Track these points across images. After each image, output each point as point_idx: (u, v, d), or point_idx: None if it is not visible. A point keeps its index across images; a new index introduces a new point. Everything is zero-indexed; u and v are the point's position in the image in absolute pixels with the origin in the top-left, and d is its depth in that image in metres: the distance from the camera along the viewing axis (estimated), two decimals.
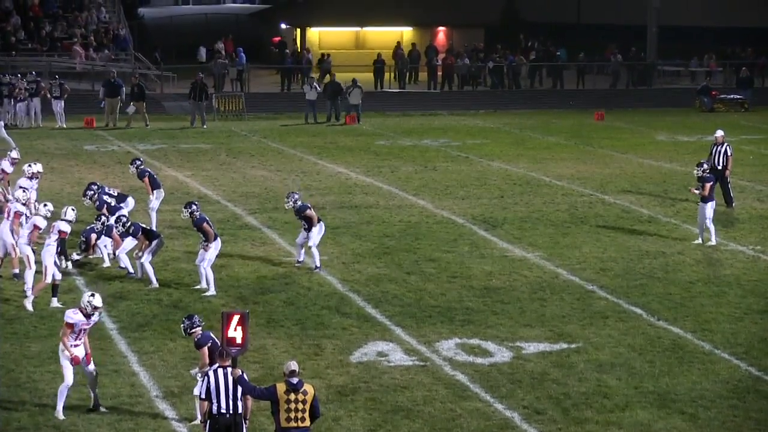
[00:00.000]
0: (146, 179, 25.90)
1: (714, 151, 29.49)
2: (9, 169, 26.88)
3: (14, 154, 27.85)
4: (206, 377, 13.51)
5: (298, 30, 65.69)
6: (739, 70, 55.04)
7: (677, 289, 21.66)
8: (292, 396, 13.01)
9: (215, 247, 21.17)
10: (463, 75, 56.71)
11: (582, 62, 58.60)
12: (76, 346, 15.56)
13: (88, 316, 15.67)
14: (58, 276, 20.28)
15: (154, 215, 25.88)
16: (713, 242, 25.17)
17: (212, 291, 20.92)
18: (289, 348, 18.05)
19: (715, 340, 18.76)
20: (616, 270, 23.05)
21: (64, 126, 43.22)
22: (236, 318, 13.44)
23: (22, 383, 16.40)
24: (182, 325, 15.07)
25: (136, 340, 18.32)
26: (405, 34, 64.81)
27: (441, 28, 66.65)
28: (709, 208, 25.22)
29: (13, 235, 21.63)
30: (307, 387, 13.14)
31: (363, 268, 22.88)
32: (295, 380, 13.05)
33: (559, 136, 42.41)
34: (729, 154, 29.38)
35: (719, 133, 29.87)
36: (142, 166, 26.29)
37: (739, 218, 28.15)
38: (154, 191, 25.91)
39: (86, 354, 15.64)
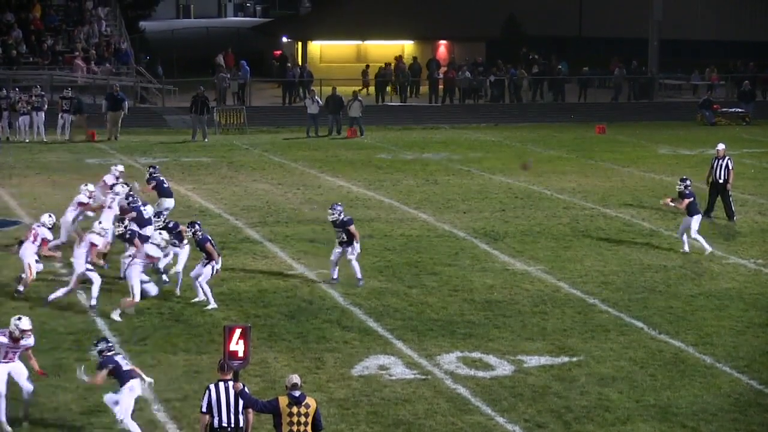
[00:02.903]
0: (153, 185, 26.92)
1: (715, 164, 29.52)
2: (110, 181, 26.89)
3: (120, 167, 28.12)
4: (208, 390, 13.51)
5: (300, 43, 65.76)
6: (741, 84, 55.08)
7: (679, 303, 21.66)
8: (294, 409, 13.01)
9: (213, 265, 21.17)
10: (464, 88, 56.75)
11: (584, 76, 58.64)
12: (5, 363, 15.56)
13: (17, 339, 15.57)
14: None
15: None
16: (708, 249, 25.36)
17: (213, 305, 20.91)
18: (291, 361, 18.05)
19: (716, 353, 18.76)
20: (617, 283, 23.05)
21: (67, 138, 43.25)
22: (238, 331, 13.44)
23: (21, 397, 16.35)
24: (97, 348, 15.05)
25: (137, 354, 18.31)
26: (406, 47, 64.87)
27: (442, 42, 66.70)
28: (695, 222, 25.36)
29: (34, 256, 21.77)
30: (309, 400, 13.15)
31: (365, 282, 22.86)
32: (297, 393, 13.06)
33: (561, 150, 42.43)
34: (730, 167, 29.41)
35: (720, 146, 29.90)
36: (155, 174, 27.11)
37: (741, 232, 28.15)
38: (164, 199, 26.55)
39: (31, 373, 15.67)
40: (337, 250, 22.52)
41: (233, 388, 13.35)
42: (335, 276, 22.63)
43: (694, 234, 25.50)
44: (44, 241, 21.96)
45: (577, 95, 58.04)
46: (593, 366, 18.06)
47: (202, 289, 21.04)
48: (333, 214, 22.49)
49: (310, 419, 13.06)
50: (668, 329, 19.99)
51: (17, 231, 27.07)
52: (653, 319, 20.56)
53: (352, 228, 22.42)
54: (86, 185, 25.66)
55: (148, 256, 20.86)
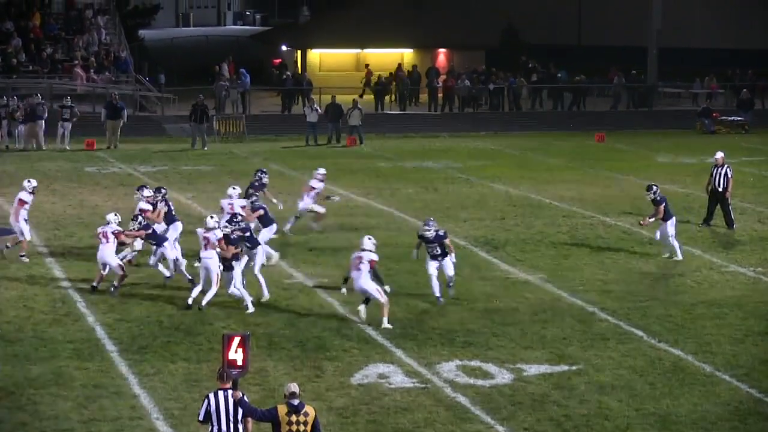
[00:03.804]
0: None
1: (714, 172, 29.53)
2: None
3: (322, 171, 28.74)
4: (207, 399, 13.48)
5: (299, 52, 65.80)
6: (740, 92, 55.12)
7: (678, 311, 21.65)
8: (294, 418, 13.00)
9: (239, 267, 21.48)
10: (463, 97, 56.78)
11: (583, 84, 58.68)
12: None
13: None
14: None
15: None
16: (679, 257, 25.39)
17: (257, 301, 21.38)
18: (290, 370, 18.03)
19: (716, 362, 18.74)
20: (617, 292, 23.04)
21: (67, 147, 43.27)
22: (237, 340, 13.42)
23: (23, 405, 16.36)
24: None
25: (136, 362, 18.30)
26: (406, 56, 64.90)
27: (442, 50, 66.74)
28: (670, 226, 25.46)
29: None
30: (309, 409, 13.13)
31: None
32: (296, 402, 13.04)
33: (560, 158, 42.45)
34: (729, 175, 29.41)
35: (719, 154, 29.92)
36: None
37: (740, 240, 28.15)
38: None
39: None
40: (434, 263, 21.92)
41: (232, 396, 13.33)
42: (438, 293, 21.87)
43: (672, 240, 25.56)
44: (117, 234, 22.24)
45: (574, 103, 58.04)
46: (593, 374, 18.05)
47: (241, 292, 21.35)
48: (429, 230, 21.81)
49: (309, 428, 13.03)
50: (668, 337, 19.99)
51: (16, 239, 27.03)
52: (653, 328, 20.55)
53: (448, 241, 22.08)
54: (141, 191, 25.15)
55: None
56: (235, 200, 25.12)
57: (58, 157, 41.29)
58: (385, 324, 20.31)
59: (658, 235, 25.85)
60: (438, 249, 21.94)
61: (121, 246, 22.86)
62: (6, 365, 18.03)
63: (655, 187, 26.04)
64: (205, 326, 20.28)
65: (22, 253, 24.89)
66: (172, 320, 20.64)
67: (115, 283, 22.22)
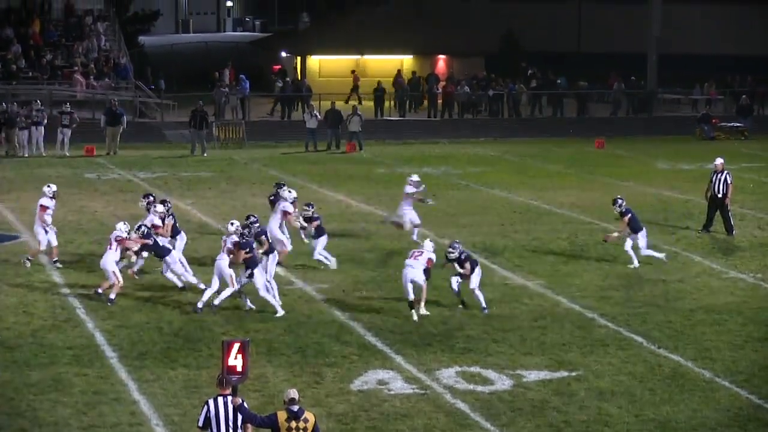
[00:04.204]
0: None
1: (714, 179, 29.53)
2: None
3: (415, 177, 28.45)
4: (206, 405, 13.47)
5: (299, 58, 65.83)
6: (739, 99, 55.15)
7: (677, 317, 21.65)
8: (293, 424, 12.99)
9: (260, 272, 21.61)
10: (463, 103, 56.80)
11: (582, 90, 58.72)
12: None
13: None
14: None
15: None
16: (635, 265, 25.36)
17: (280, 311, 21.41)
18: (290, 376, 18.02)
19: (715, 368, 18.74)
20: (616, 298, 23.05)
21: (67, 154, 43.29)
22: (237, 346, 13.42)
23: (22, 412, 16.36)
24: None
25: (136, 369, 18.30)
26: (405, 62, 64.94)
27: (441, 56, 66.77)
28: (641, 238, 25.46)
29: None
30: (308, 415, 13.13)
31: (363, 296, 22.86)
32: (295, 408, 13.04)
33: (560, 164, 42.46)
34: (729, 182, 29.41)
35: (719, 161, 29.92)
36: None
37: (740, 246, 28.15)
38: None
39: None
40: (457, 279, 22.01)
41: (232, 402, 13.32)
42: (457, 292, 22.11)
43: (644, 252, 25.51)
44: (120, 240, 22.24)
45: (576, 110, 58.11)
46: (592, 380, 18.05)
47: (271, 297, 21.55)
48: (453, 252, 21.90)
49: None
50: (667, 344, 19.98)
51: (15, 246, 27.09)
52: (652, 334, 20.55)
53: (467, 267, 22.03)
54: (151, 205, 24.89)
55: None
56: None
57: (58, 164, 41.30)
58: (423, 311, 21.25)
59: (628, 245, 25.59)
60: (468, 265, 21.97)
61: (125, 252, 22.79)
62: (5, 371, 18.03)
63: (620, 200, 25.93)
64: (204, 332, 20.27)
65: (55, 259, 24.91)
66: (172, 326, 20.63)
67: (101, 289, 22.17)
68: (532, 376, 18.25)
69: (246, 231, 22.08)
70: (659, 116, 58.14)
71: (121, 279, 22.15)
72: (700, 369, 18.68)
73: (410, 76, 60.28)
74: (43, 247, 24.99)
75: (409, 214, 27.79)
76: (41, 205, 25.08)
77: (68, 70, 53.71)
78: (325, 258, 24.98)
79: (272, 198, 26.37)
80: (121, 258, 22.58)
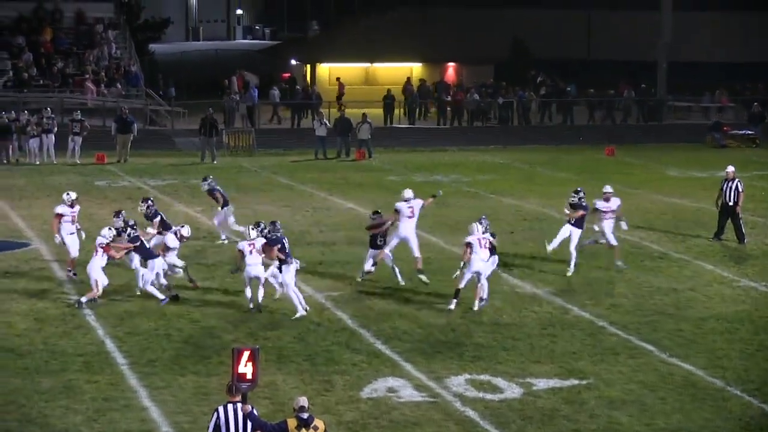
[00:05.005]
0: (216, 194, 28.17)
1: (725, 186, 29.47)
2: None
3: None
4: (216, 413, 13.46)
5: (308, 66, 65.89)
6: (751, 106, 55.07)
7: (689, 326, 21.60)
8: (303, 431, 12.97)
9: (286, 270, 21.74)
10: (472, 110, 56.80)
11: (592, 98, 58.69)
12: None
13: None
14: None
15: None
16: (571, 271, 25.30)
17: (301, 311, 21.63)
18: (300, 383, 18.01)
19: (727, 376, 18.69)
20: (626, 306, 23.00)
21: (78, 161, 43.36)
22: (246, 354, 13.40)
23: (33, 418, 16.37)
24: None
25: (146, 375, 18.30)
26: (415, 69, 64.97)
27: (451, 64, 66.80)
28: (576, 235, 25.35)
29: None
30: (318, 422, 13.11)
31: (373, 304, 22.86)
32: (305, 415, 13.02)
33: (570, 172, 42.40)
34: (740, 189, 29.34)
35: (730, 168, 29.85)
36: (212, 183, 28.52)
37: (751, 254, 28.09)
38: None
39: None
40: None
41: (242, 410, 13.31)
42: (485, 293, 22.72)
43: (573, 247, 25.38)
44: (104, 247, 22.30)
45: (586, 117, 58.11)
46: (603, 389, 18.00)
47: (295, 296, 21.74)
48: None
49: None
50: (678, 352, 19.93)
51: (26, 253, 27.13)
52: (663, 342, 20.50)
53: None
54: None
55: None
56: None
57: (69, 171, 41.36)
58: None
59: (573, 245, 25.45)
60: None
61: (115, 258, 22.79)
62: (16, 378, 18.05)
63: (582, 192, 25.89)
64: (213, 340, 20.27)
65: (69, 269, 24.57)
66: (182, 334, 20.64)
67: (84, 297, 22.20)
68: (542, 384, 18.22)
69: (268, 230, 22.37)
70: (670, 124, 58.11)
71: (100, 289, 22.12)
72: (711, 378, 18.63)
73: (419, 83, 60.28)
74: (72, 254, 24.55)
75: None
76: (55, 213, 24.96)
77: (79, 78, 53.85)
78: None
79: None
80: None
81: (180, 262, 23.29)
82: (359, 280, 24.41)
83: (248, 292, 22.03)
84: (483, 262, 22.18)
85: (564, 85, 60.19)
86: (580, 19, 71.24)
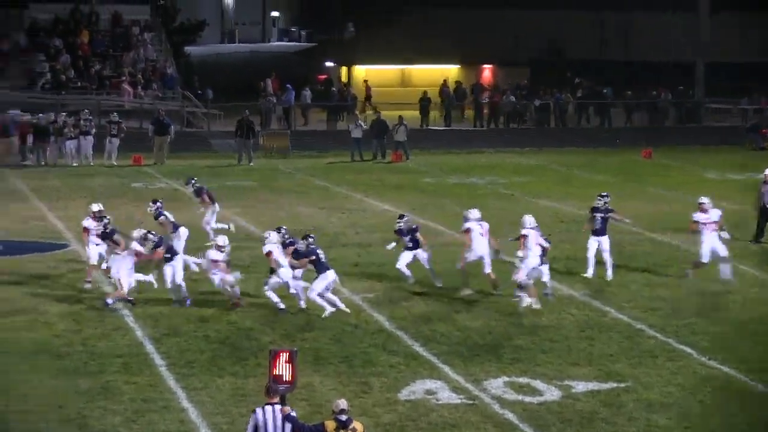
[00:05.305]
0: (204, 195, 28.12)
1: (763, 189, 29.26)
2: None
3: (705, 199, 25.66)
4: (254, 414, 13.47)
5: (344, 68, 65.93)
6: None
7: (728, 328, 21.46)
8: None
9: (323, 277, 21.87)
10: (508, 112, 56.70)
11: (630, 100, 58.46)
12: None
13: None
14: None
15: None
16: (610, 276, 25.08)
17: (337, 309, 21.79)
18: (337, 385, 18.00)
19: (766, 379, 18.54)
20: (665, 308, 22.88)
21: (115, 163, 43.56)
22: (284, 355, 13.42)
23: (72, 419, 16.42)
24: None
25: (184, 377, 18.34)
26: (451, 71, 64.89)
27: (487, 66, 66.68)
28: (605, 243, 25.13)
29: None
30: (356, 424, 13.10)
31: (410, 306, 22.84)
32: (344, 417, 13.01)
33: (607, 174, 42.25)
34: None
35: None
36: (197, 185, 28.68)
37: None
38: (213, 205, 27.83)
39: None
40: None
41: (281, 411, 13.31)
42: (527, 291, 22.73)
43: (606, 255, 25.15)
44: (137, 253, 22.34)
45: (623, 119, 57.88)
46: (641, 392, 17.90)
47: (324, 300, 21.85)
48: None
49: None
50: (718, 355, 19.79)
51: (65, 254, 27.26)
52: (702, 345, 20.37)
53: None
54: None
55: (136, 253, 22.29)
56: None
57: (106, 173, 41.56)
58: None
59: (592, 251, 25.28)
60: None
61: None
62: (56, 379, 18.13)
63: (607, 197, 25.74)
64: (251, 341, 20.29)
65: (87, 280, 24.10)
66: (219, 335, 20.68)
67: (110, 298, 22.25)
68: (581, 386, 18.14)
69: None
70: (708, 126, 57.79)
71: (126, 289, 22.18)
72: (751, 381, 18.49)
73: (455, 85, 60.22)
74: (92, 261, 24.17)
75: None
76: (83, 227, 24.47)
77: (116, 80, 54.07)
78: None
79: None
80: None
81: (231, 278, 22.58)
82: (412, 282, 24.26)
83: (273, 296, 22.08)
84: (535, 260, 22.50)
85: (601, 87, 59.95)
86: (616, 20, 70.98)
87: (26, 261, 25.59)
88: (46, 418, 16.38)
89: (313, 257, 22.02)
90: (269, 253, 22.10)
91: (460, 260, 23.91)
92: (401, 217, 24.93)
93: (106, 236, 23.69)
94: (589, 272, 25.09)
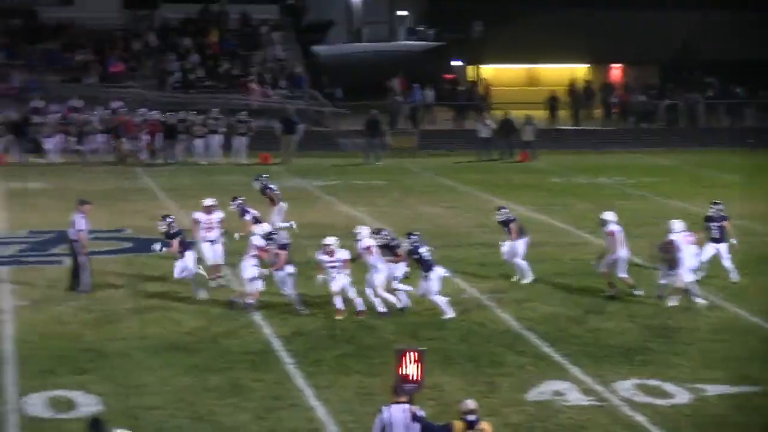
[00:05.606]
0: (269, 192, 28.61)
1: None
2: None
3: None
4: (381, 413, 13.41)
5: (471, 67, 65.74)
6: None
7: None
8: None
9: (434, 277, 21.71)
10: (638, 112, 56.03)
11: (763, 99, 57.31)
12: None
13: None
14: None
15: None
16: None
17: (450, 313, 21.61)
18: (465, 385, 17.90)
19: None
20: None
21: (243, 161, 44.01)
22: (412, 355, 13.36)
23: (203, 416, 16.57)
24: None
25: (311, 375, 18.40)
26: (578, 71, 64.31)
27: (615, 65, 65.95)
28: (723, 249, 24.69)
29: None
30: (484, 425, 12.98)
31: (536, 306, 22.64)
32: (472, 418, 12.91)
33: (739, 175, 41.47)
34: None
35: None
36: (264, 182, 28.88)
37: None
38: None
39: None
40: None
41: (409, 411, 13.25)
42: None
43: (727, 262, 24.74)
44: (259, 249, 22.34)
45: (756, 119, 56.76)
46: None
47: (439, 302, 21.75)
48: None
49: None
50: None
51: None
52: None
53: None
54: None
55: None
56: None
57: (234, 171, 41.99)
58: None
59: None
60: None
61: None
62: (186, 376, 18.30)
63: (720, 204, 25.28)
64: (376, 340, 20.29)
65: (211, 276, 24.29)
66: (345, 333, 20.72)
67: (247, 299, 22.24)
68: (713, 390, 17.78)
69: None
70: None
71: (251, 289, 22.04)
72: None
73: (584, 84, 59.71)
74: (217, 261, 24.50)
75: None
76: (192, 218, 24.86)
77: (244, 79, 54.63)
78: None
79: None
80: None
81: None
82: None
83: (388, 296, 22.00)
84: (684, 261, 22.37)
85: (733, 87, 58.86)
86: (750, 17, 69.61)
87: (156, 258, 25.89)
88: (178, 415, 16.55)
89: (416, 256, 21.83)
90: (368, 248, 21.96)
91: (599, 262, 23.58)
92: (500, 209, 24.88)
93: (169, 237, 23.37)
94: (698, 275, 24.47)
